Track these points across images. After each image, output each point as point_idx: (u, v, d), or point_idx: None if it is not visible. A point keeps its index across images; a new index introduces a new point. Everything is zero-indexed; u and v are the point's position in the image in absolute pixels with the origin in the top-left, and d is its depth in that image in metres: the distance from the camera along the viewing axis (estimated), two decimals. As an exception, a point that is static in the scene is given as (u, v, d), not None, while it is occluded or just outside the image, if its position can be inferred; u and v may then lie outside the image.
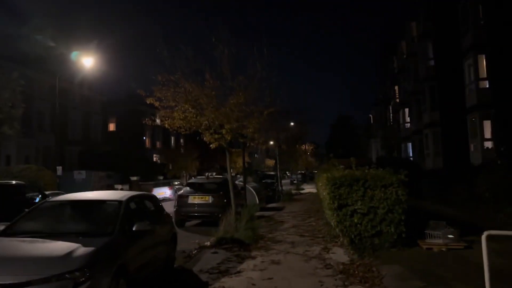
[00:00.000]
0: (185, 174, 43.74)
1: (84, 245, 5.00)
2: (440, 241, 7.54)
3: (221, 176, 19.53)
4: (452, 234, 7.55)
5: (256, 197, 18.63)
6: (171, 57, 9.80)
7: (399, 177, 7.51)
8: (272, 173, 32.11)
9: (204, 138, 10.38)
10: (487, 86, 20.08)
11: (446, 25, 24.69)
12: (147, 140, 54.48)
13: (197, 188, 14.20)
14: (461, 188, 16.25)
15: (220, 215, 12.27)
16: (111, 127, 54.61)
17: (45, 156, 37.81)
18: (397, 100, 40.28)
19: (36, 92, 37.11)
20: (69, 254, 4.77)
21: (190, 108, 9.93)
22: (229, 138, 10.17)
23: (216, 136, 10.15)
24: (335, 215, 7.72)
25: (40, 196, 12.41)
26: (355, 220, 7.54)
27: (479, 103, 19.89)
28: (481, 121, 20.02)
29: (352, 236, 7.56)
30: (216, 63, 10.04)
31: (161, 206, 8.02)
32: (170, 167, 42.19)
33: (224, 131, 9.93)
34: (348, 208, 7.59)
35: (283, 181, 35.88)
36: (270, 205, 21.97)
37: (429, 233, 7.77)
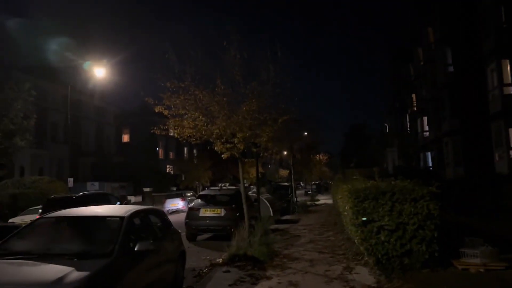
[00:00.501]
0: (198, 185, 43.26)
1: (79, 268, 4.41)
2: (478, 260, 6.75)
3: (233, 187, 18.92)
4: (491, 253, 6.76)
5: (270, 209, 17.93)
6: (180, 63, 9.26)
7: (431, 189, 6.77)
8: (286, 183, 31.35)
9: (216, 148, 9.78)
10: (512, 92, 19.15)
11: (465, 29, 23.90)
12: (160, 151, 54.29)
13: (209, 200, 13.56)
14: (488, 199, 15.33)
15: (232, 229, 11.65)
16: (125, 138, 54.64)
17: (59, 167, 37.72)
18: (415, 108, 39.25)
19: (49, 103, 37.20)
20: (60, 279, 4.18)
21: (200, 116, 9.36)
22: (241, 147, 9.55)
23: (228, 145, 9.55)
24: (359, 231, 7.00)
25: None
26: (382, 238, 6.81)
27: (504, 110, 18.95)
28: (507, 128, 19.03)
29: (379, 256, 6.82)
30: (227, 69, 9.45)
31: (169, 221, 7.40)
32: (183, 178, 41.71)
33: (236, 140, 9.33)
34: (373, 224, 6.87)
35: (297, 192, 35.09)
36: (284, 217, 21.21)
37: (464, 252, 6.98)
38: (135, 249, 5.17)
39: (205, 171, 41.20)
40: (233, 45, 8.98)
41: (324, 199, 38.59)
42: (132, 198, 37.38)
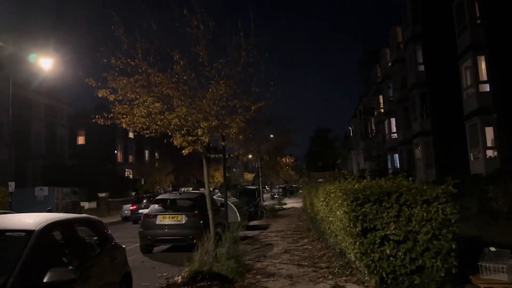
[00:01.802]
0: (159, 190, 40.93)
1: None
2: (505, 277, 5.38)
3: (197, 191, 17.20)
4: (520, 267, 5.41)
5: (238, 214, 16.31)
6: (131, 38, 7.46)
7: (447, 188, 5.35)
8: (253, 187, 29.75)
9: (175, 142, 8.02)
10: (488, 89, 18.45)
11: (437, 27, 23.24)
12: (118, 153, 51.38)
13: (168, 206, 11.71)
14: (470, 202, 14.34)
15: (195, 239, 9.94)
16: (80, 140, 51.37)
17: (3, 171, 34.40)
18: (382, 110, 38.81)
19: (-7, 101, 33.87)
20: None
21: (154, 103, 7.58)
22: (206, 140, 7.85)
23: (190, 138, 7.82)
24: (357, 243, 5.47)
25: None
26: (387, 251, 5.32)
27: (480, 108, 18.22)
28: (483, 127, 18.31)
29: (384, 274, 5.32)
30: (189, 45, 7.74)
31: (107, 234, 5.59)
32: (143, 182, 39.27)
33: (200, 132, 7.62)
34: (376, 234, 5.37)
35: (264, 196, 33.59)
36: (252, 223, 19.61)
37: (485, 266, 5.60)
38: (44, 280, 3.41)
39: (166, 175, 38.98)
40: (195, 13, 7.28)
41: (291, 203, 37.34)
42: (86, 204, 34.65)
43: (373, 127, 44.91)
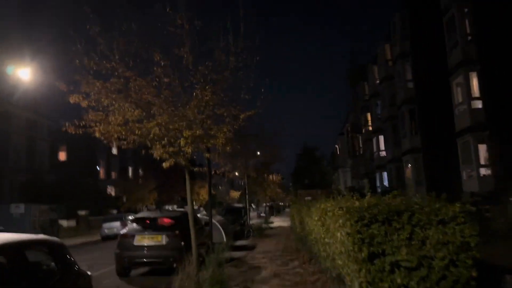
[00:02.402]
0: (142, 207, 39.64)
1: None
2: (532, 311, 4.67)
3: (181, 210, 16.31)
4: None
5: (224, 234, 15.41)
6: (106, 35, 6.70)
7: (465, 207, 4.66)
8: (239, 205, 28.84)
9: (154, 154, 7.21)
10: (480, 106, 18.12)
11: (426, 43, 23.09)
12: (101, 170, 49.95)
13: (147, 225, 10.79)
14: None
15: (176, 262, 9.09)
16: (61, 155, 49.88)
17: (-23, 187, 32.86)
18: (370, 128, 38.52)
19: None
20: None
21: (133, 110, 6.79)
22: (189, 151, 7.04)
23: (171, 149, 7.01)
24: (363, 271, 4.70)
25: None
26: (398, 280, 4.55)
27: (473, 125, 17.84)
28: (476, 145, 17.90)
29: (394, 307, 4.55)
30: (173, 47, 7.01)
31: (71, 260, 4.73)
32: (125, 200, 37.98)
33: (182, 142, 6.82)
34: (385, 260, 4.62)
35: (250, 214, 32.64)
36: (239, 243, 18.69)
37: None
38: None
39: (149, 192, 37.76)
40: (179, 12, 6.58)
41: (278, 222, 36.45)
42: (65, 222, 33.22)
43: (361, 145, 44.60)
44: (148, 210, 35.23)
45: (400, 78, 25.86)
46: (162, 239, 10.27)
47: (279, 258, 12.85)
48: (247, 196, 25.73)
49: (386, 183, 33.39)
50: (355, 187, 37.91)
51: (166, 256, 10.09)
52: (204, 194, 58.45)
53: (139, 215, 11.54)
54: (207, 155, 7.91)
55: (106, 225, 26.51)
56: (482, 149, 18.12)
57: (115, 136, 6.98)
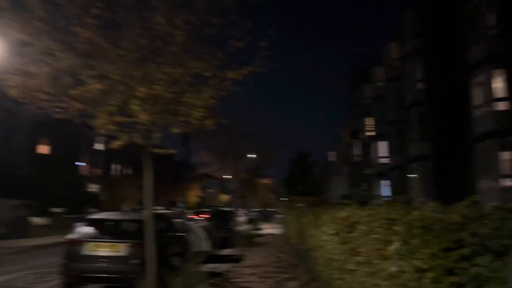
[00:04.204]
0: (126, 207, 37.08)
1: None
2: None
3: (162, 211, 14.03)
4: None
5: (206, 241, 13.04)
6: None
7: None
8: (227, 208, 26.43)
9: (96, 125, 4.85)
10: (505, 108, 15.98)
11: (441, 40, 21.03)
12: (84, 166, 47.18)
13: (104, 230, 8.38)
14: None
15: (140, 279, 6.82)
16: (43, 149, 47.05)
17: None
18: (370, 133, 36.40)
19: None
20: None
21: (64, 52, 4.44)
22: (145, 118, 4.69)
23: (119, 118, 4.67)
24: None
25: None
26: None
27: (496, 129, 15.69)
28: (496, 152, 15.73)
29: None
30: None
31: None
32: (106, 198, 35.38)
33: (135, 105, 4.48)
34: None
35: (239, 219, 30.24)
36: (224, 252, 16.32)
37: None
38: None
39: (133, 191, 35.18)
40: None
41: (269, 229, 34.07)
42: (37, 220, 30.52)
43: (359, 152, 42.47)
44: (134, 210, 32.70)
45: (410, 78, 23.73)
46: (122, 249, 7.88)
47: (271, 275, 10.49)
48: (236, 199, 23.32)
49: (386, 192, 31.22)
50: (350, 196, 35.75)
51: (126, 271, 7.70)
52: (192, 196, 55.99)
53: (94, 215, 9.08)
54: (174, 130, 5.45)
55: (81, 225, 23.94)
56: (505, 157, 15.96)
57: (39, 95, 4.61)
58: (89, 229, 8.36)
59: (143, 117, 4.61)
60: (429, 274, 2.40)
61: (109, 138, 4.88)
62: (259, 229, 31.69)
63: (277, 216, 71.74)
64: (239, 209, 59.26)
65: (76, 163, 46.18)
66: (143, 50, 4.54)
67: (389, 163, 29.29)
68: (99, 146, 49.12)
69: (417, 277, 2.55)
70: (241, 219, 40.64)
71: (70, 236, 8.46)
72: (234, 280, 9.83)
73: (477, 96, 17.46)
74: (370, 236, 3.72)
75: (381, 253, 3.38)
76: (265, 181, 39.21)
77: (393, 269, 2.89)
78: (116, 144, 4.98)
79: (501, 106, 16.12)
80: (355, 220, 4.45)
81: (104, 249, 7.94)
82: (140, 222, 8.65)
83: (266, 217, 59.70)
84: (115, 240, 7.98)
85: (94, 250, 7.96)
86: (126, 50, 4.49)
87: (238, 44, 4.80)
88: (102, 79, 4.45)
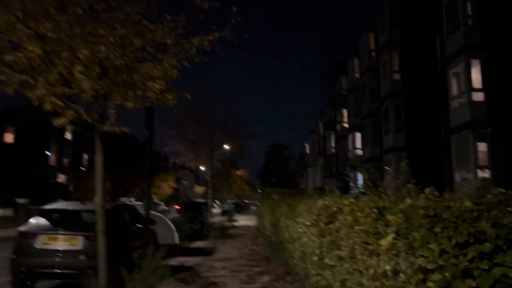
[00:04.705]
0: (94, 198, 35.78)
1: None
2: None
3: (121, 203, 13.32)
4: None
5: (176, 234, 12.39)
6: None
7: None
8: (200, 200, 25.72)
9: (33, 95, 4.09)
10: (482, 99, 15.86)
11: (417, 31, 20.88)
12: (52, 156, 45.41)
13: (58, 221, 7.62)
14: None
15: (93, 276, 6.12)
16: (8, 138, 44.98)
17: None
18: (345, 125, 36.28)
19: None
20: None
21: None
22: (87, 86, 3.98)
23: (62, 90, 3.93)
24: None
25: None
26: None
27: (473, 120, 15.55)
28: (475, 142, 15.62)
29: None
30: None
31: None
32: (72, 189, 34.05)
33: (76, 69, 3.77)
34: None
35: (213, 211, 29.58)
36: (196, 245, 15.71)
37: None
38: None
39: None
40: None
41: (243, 220, 33.62)
42: (0, 212, 29.09)
43: (334, 144, 42.39)
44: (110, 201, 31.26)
45: (386, 69, 23.50)
46: (78, 242, 7.16)
47: (244, 269, 9.95)
48: (210, 191, 22.66)
49: (360, 183, 31.17)
50: (325, 188, 35.56)
51: (82, 266, 6.98)
52: (165, 187, 54.89)
53: (49, 206, 8.29)
54: (128, 104, 4.72)
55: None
56: (481, 148, 15.87)
57: None
58: (42, 221, 7.58)
59: (86, 85, 3.90)
60: (436, 276, 1.87)
61: (52, 114, 4.14)
62: (234, 220, 31.22)
63: (252, 207, 71.55)
64: (213, 200, 58.69)
65: (46, 152, 44.39)
66: (85, 1, 3.83)
67: (363, 155, 29.18)
68: (70, 136, 47.41)
69: (419, 280, 2.01)
70: (215, 210, 40.11)
71: (21, 228, 7.66)
72: (204, 274, 9.24)
73: (454, 87, 17.32)
74: (354, 227, 3.18)
75: (368, 248, 2.85)
76: (240, 172, 38.55)
77: (386, 268, 2.35)
78: (60, 121, 4.28)
79: (478, 97, 15.99)
80: (336, 210, 3.91)
81: (58, 243, 7.19)
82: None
83: (242, 209, 59.29)
84: (70, 232, 7.24)
85: (47, 244, 7.21)
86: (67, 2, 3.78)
87: (203, 4, 4.13)
88: (40, 40, 3.73)
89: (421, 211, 2.04)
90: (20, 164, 38.05)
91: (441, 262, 1.83)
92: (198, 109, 20.59)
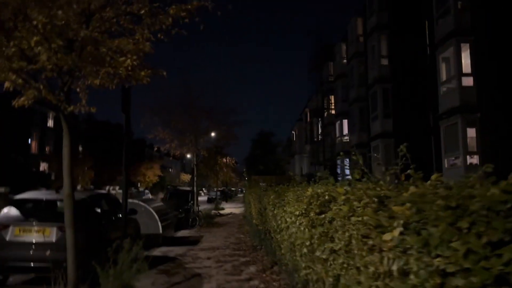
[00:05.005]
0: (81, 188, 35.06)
1: None
2: None
3: (98, 191, 12.81)
4: None
5: (159, 223, 11.97)
6: None
7: None
8: (186, 188, 25.27)
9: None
10: (471, 84, 15.65)
11: (406, 15, 20.55)
12: (33, 143, 44.32)
13: (31, 212, 7.14)
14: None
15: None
16: (-13, 125, 43.70)
17: None
18: (332, 112, 36.02)
19: None
20: None
21: None
22: (43, 59, 3.52)
23: (19, 64, 3.47)
24: None
25: None
26: None
27: (463, 105, 15.35)
28: (465, 128, 15.44)
29: None
30: None
31: None
32: (53, 177, 33.28)
33: (33, 41, 3.30)
34: None
35: (199, 199, 29.21)
36: (181, 233, 15.34)
37: None
38: None
39: (86, 170, 33.24)
40: None
41: (230, 208, 33.39)
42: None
43: (321, 130, 42.17)
44: (85, 190, 30.67)
45: (374, 53, 23.15)
46: (52, 234, 6.70)
47: (230, 259, 9.60)
48: (195, 178, 22.22)
49: (347, 170, 31.03)
50: (314, 174, 35.43)
51: (56, 260, 6.52)
52: (151, 175, 54.23)
53: (22, 195, 7.80)
54: (95, 81, 4.24)
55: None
56: (470, 134, 15.72)
57: None
58: (14, 211, 7.10)
59: (43, 57, 3.42)
60: (459, 281, 1.50)
61: (12, 94, 3.67)
62: (220, 208, 30.90)
63: (239, 195, 71.32)
64: (201, 188, 58.10)
65: (29, 140, 43.29)
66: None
67: (350, 141, 28.98)
68: (52, 123, 46.26)
69: (436, 284, 1.65)
70: (201, 198, 39.70)
71: (-10, 219, 7.15)
72: (188, 265, 8.88)
73: (443, 72, 17.08)
74: (351, 219, 2.82)
75: (368, 242, 2.49)
76: (227, 159, 38.12)
77: (393, 268, 1.99)
78: (20, 102, 3.80)
79: (467, 81, 15.77)
80: (330, 199, 3.55)
81: (31, 234, 6.73)
82: (77, 202, 7.48)
83: (228, 196, 59.01)
84: (44, 223, 6.78)
85: (19, 236, 6.74)
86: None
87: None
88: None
89: (440, 202, 1.67)
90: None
91: (467, 265, 1.47)
92: (184, 95, 20.04)
